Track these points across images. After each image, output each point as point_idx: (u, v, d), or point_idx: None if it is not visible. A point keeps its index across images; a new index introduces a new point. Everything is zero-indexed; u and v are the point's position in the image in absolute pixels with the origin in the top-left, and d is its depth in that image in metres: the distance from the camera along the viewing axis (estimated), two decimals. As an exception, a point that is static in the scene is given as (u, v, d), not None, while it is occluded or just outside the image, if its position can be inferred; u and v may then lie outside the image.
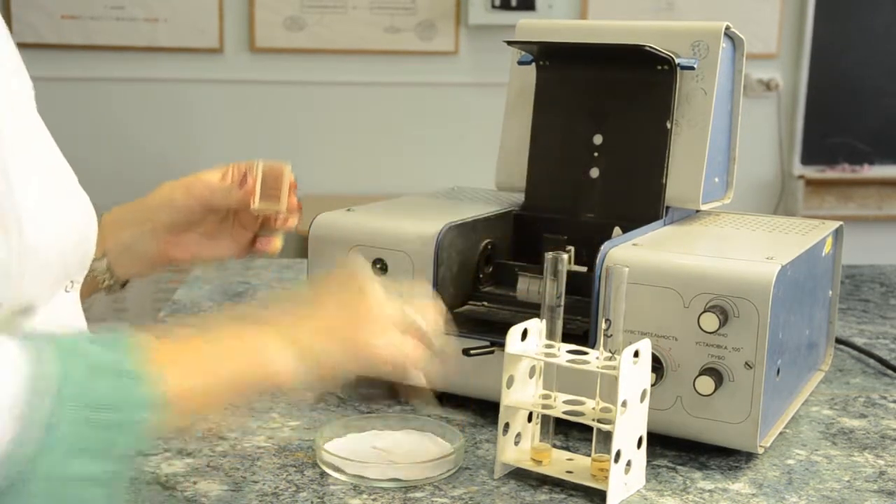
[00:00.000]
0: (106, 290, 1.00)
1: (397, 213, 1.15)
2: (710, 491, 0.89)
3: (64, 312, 0.81)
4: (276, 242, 0.97)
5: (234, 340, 0.74)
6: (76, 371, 0.63)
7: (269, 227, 1.01)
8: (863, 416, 1.08)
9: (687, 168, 1.11)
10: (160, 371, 0.66)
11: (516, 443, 0.91)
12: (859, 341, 1.35)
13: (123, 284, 1.02)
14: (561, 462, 0.91)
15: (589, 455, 0.90)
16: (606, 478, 0.85)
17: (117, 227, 0.98)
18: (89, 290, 0.96)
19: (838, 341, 1.30)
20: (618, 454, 0.84)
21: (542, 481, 0.89)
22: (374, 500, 0.85)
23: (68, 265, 0.79)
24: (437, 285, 1.04)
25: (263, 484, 0.87)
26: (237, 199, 0.97)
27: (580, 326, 1.01)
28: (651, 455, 0.93)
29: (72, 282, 0.81)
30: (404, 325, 0.81)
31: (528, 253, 1.13)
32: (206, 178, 0.98)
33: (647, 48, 1.06)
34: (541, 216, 1.16)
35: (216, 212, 1.00)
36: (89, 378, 0.63)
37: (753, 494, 0.88)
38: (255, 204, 0.95)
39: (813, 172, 3.98)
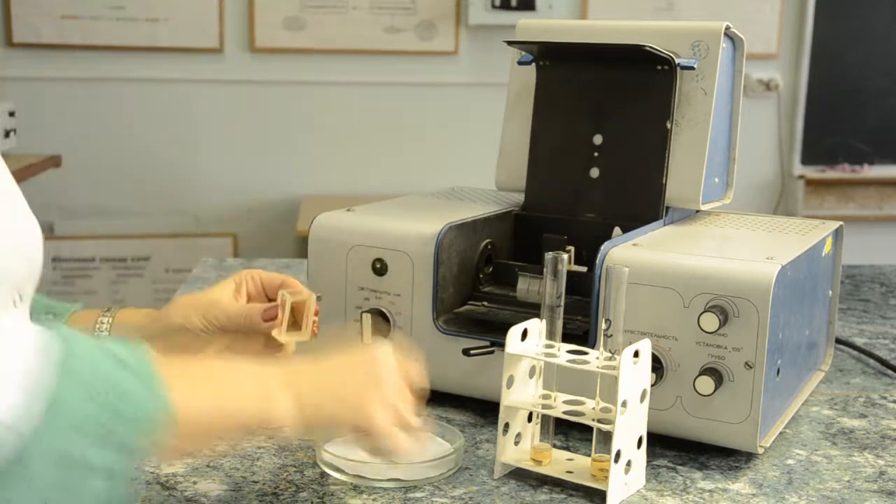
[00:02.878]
0: None
1: (397, 213, 1.15)
2: (710, 491, 0.89)
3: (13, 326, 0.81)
4: (291, 347, 0.97)
5: (240, 374, 0.75)
6: (83, 348, 0.63)
7: None
8: (863, 416, 1.08)
9: (687, 168, 1.11)
10: (168, 380, 0.67)
11: (516, 443, 0.91)
12: (859, 341, 1.35)
13: None
14: (561, 462, 0.91)
15: (589, 455, 0.90)
16: (606, 478, 0.85)
17: (130, 332, 0.96)
18: None
19: (838, 341, 1.30)
20: (618, 454, 0.84)
21: (542, 481, 0.89)
22: (374, 500, 0.85)
23: (18, 283, 0.79)
24: (437, 285, 1.04)
25: (263, 484, 0.87)
26: (263, 330, 0.95)
27: (580, 326, 1.01)
28: (651, 455, 0.93)
29: (20, 296, 0.81)
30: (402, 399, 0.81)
31: (528, 253, 1.13)
32: (222, 305, 0.96)
33: (647, 48, 1.06)
34: (541, 216, 1.16)
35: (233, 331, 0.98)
36: (97, 358, 0.63)
37: (753, 494, 0.88)
38: (282, 336, 0.95)
39: (813, 172, 3.97)
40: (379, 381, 0.79)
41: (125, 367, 0.65)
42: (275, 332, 0.94)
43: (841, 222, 1.20)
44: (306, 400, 0.75)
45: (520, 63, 1.18)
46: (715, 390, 0.92)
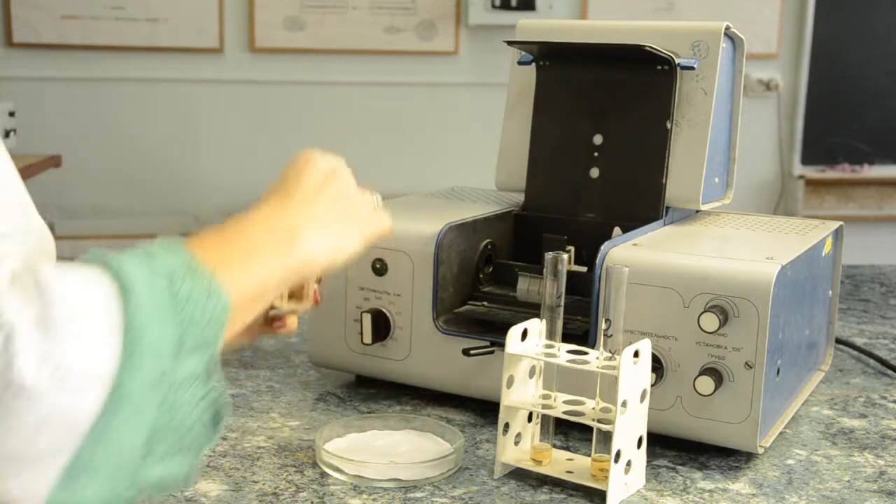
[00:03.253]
0: None
1: (397, 213, 1.14)
2: (710, 491, 0.89)
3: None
4: (293, 322, 0.96)
5: (266, 236, 0.76)
6: (130, 267, 0.63)
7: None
8: (863, 416, 1.08)
9: (687, 168, 1.11)
10: (214, 270, 0.67)
11: (516, 443, 0.91)
12: (859, 341, 1.35)
13: None
14: (561, 462, 0.91)
15: (589, 455, 0.90)
16: (606, 478, 0.85)
17: None
18: None
19: (838, 341, 1.30)
20: (618, 454, 0.84)
21: (542, 481, 0.89)
22: (374, 500, 0.85)
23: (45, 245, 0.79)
24: (438, 285, 1.04)
25: (263, 484, 0.88)
26: None
27: (580, 326, 1.01)
28: (651, 455, 0.93)
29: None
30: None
31: (528, 253, 1.13)
32: None
33: (647, 48, 1.06)
34: (541, 216, 1.16)
35: None
36: (146, 272, 0.63)
37: (753, 494, 0.88)
38: (284, 305, 0.92)
39: (813, 172, 3.98)
40: (352, 196, 0.85)
41: (174, 272, 0.65)
42: (276, 301, 0.93)
43: (841, 222, 1.20)
44: (325, 228, 0.80)
45: (520, 63, 1.18)
46: (715, 390, 0.92)
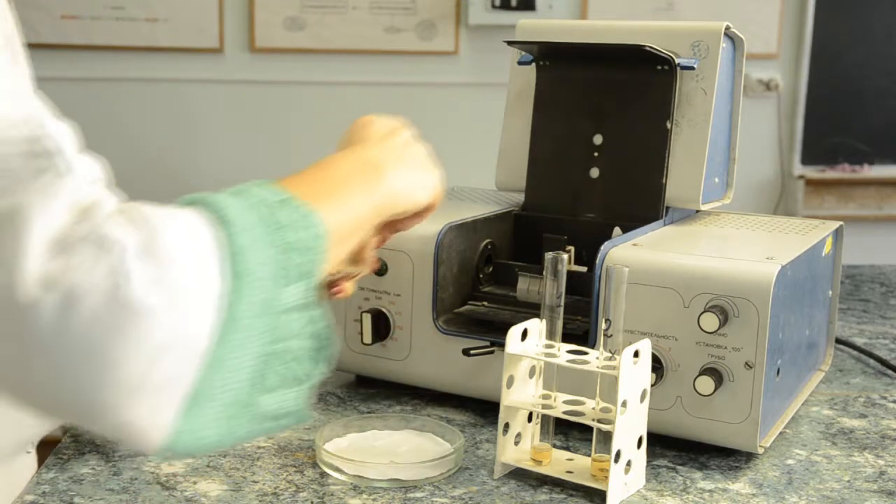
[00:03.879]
0: None
1: (397, 213, 1.14)
2: (710, 491, 0.89)
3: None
4: (350, 288, 0.95)
5: (348, 164, 0.78)
6: (223, 198, 0.64)
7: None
8: (863, 416, 1.08)
9: (687, 168, 1.11)
10: (308, 201, 0.68)
11: (516, 443, 0.91)
12: (859, 341, 1.35)
13: None
14: (561, 462, 0.91)
15: (589, 455, 0.90)
16: (606, 478, 0.85)
17: None
18: None
19: (838, 341, 1.30)
20: (618, 454, 0.84)
21: (542, 481, 0.89)
22: (374, 500, 0.85)
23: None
24: (437, 285, 1.04)
25: (263, 484, 0.88)
26: None
27: (580, 326, 1.01)
28: (651, 455, 0.93)
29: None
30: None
31: (528, 253, 1.13)
32: None
33: (647, 48, 1.06)
34: (541, 216, 1.16)
35: None
36: (243, 203, 0.65)
37: (753, 494, 0.88)
38: (342, 269, 0.90)
39: (813, 172, 3.97)
40: (418, 145, 0.86)
41: (269, 203, 0.66)
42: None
43: (841, 222, 1.20)
44: (402, 176, 0.81)
45: (520, 63, 1.18)
46: (715, 390, 0.92)
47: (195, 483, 0.87)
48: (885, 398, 1.14)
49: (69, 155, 0.61)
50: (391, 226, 0.87)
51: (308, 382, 0.67)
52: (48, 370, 0.56)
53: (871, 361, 1.27)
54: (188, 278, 0.58)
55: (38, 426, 0.84)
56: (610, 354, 0.86)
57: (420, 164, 0.84)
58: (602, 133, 1.14)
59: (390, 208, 0.79)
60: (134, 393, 0.57)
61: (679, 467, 0.93)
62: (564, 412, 0.88)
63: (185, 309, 0.58)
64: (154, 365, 0.57)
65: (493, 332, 1.03)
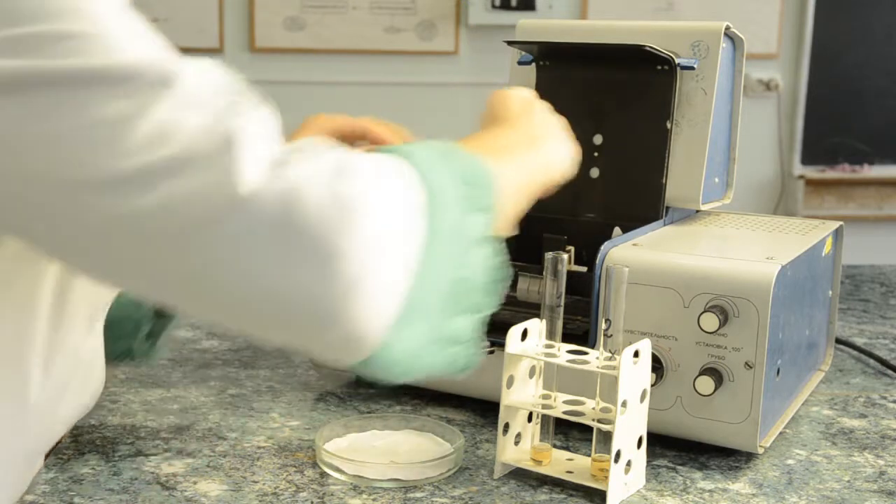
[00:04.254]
0: None
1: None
2: (710, 491, 0.89)
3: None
4: None
5: (508, 134, 0.82)
6: (407, 148, 0.69)
7: None
8: (863, 416, 1.08)
9: (687, 168, 1.11)
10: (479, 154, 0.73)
11: (516, 443, 0.91)
12: (859, 341, 1.35)
13: None
14: (561, 462, 0.91)
15: (589, 455, 0.90)
16: (606, 478, 0.85)
17: None
18: None
19: (838, 341, 1.30)
20: (618, 454, 0.84)
21: (542, 481, 0.89)
22: (374, 500, 0.85)
23: None
24: (437, 285, 1.04)
25: (263, 484, 0.88)
26: None
27: (580, 326, 1.01)
28: (651, 455, 0.93)
29: None
30: None
31: (528, 253, 1.13)
32: None
33: (647, 48, 1.06)
34: (540, 216, 1.16)
35: None
36: (424, 148, 0.70)
37: (753, 494, 0.88)
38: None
39: (813, 172, 3.98)
40: (552, 116, 0.91)
41: (443, 148, 0.71)
42: None
43: (841, 222, 1.20)
44: (553, 147, 0.86)
45: (520, 63, 1.18)
46: (715, 390, 0.92)
47: (195, 483, 0.87)
48: (885, 398, 1.14)
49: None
50: None
51: (482, 313, 0.72)
52: (278, 266, 0.59)
53: (871, 361, 1.27)
54: (397, 186, 0.64)
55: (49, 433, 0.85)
56: (610, 354, 0.86)
57: (563, 136, 0.88)
58: (602, 133, 1.14)
59: (549, 178, 0.84)
60: (358, 285, 0.60)
61: (679, 467, 0.93)
62: (564, 412, 0.88)
63: (399, 212, 0.63)
64: (375, 260, 0.60)
65: (492, 331, 1.02)
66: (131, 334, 0.97)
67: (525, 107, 0.88)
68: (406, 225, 0.63)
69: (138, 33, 0.62)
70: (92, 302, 0.83)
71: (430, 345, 0.67)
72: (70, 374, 0.83)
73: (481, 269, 0.70)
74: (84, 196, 0.58)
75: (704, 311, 0.92)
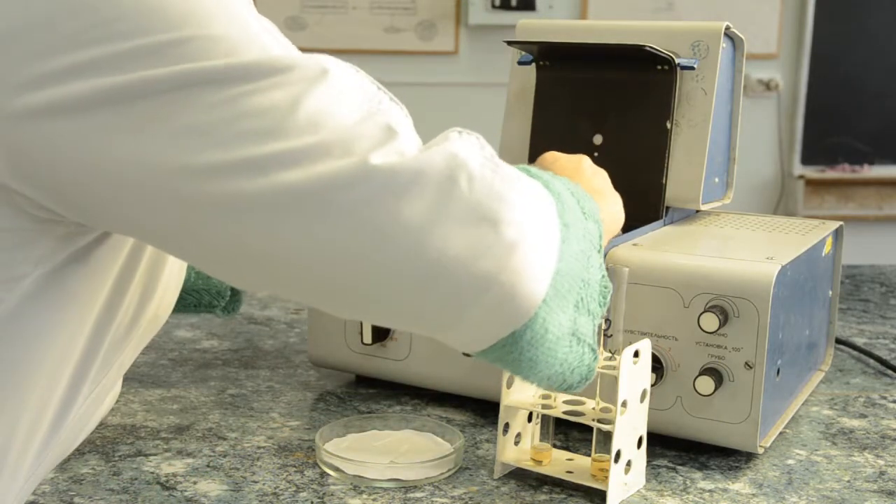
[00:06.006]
0: None
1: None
2: (710, 491, 0.89)
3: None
4: None
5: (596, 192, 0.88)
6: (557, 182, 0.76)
7: None
8: (863, 416, 1.08)
9: (687, 168, 1.11)
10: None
11: (516, 443, 0.91)
12: (859, 341, 1.35)
13: None
14: (561, 462, 0.91)
15: (589, 455, 0.90)
16: (606, 478, 0.85)
17: None
18: None
19: (838, 341, 1.30)
20: (618, 454, 0.84)
21: (542, 481, 0.89)
22: (374, 500, 0.85)
23: None
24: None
25: (263, 484, 0.88)
26: None
27: (580, 326, 1.01)
28: (651, 455, 0.93)
29: None
30: None
31: (528, 253, 1.13)
32: None
33: (647, 48, 1.06)
34: (541, 216, 1.16)
35: None
36: (544, 173, 0.76)
37: (753, 494, 0.88)
38: None
39: (813, 172, 3.98)
40: (602, 174, 0.94)
41: (561, 179, 0.77)
42: None
43: (841, 222, 1.20)
44: (608, 204, 0.90)
45: (520, 63, 1.18)
46: (715, 390, 0.92)
47: (195, 483, 0.87)
48: (885, 398, 1.14)
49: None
50: None
51: (598, 320, 0.75)
52: (444, 226, 0.62)
53: (871, 361, 1.27)
54: (532, 180, 0.71)
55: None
56: (610, 354, 0.86)
57: (609, 192, 0.91)
58: (602, 133, 1.14)
59: (610, 231, 0.88)
60: (518, 247, 0.64)
61: (679, 467, 0.93)
62: (564, 412, 0.88)
63: (541, 197, 0.69)
64: (531, 227, 0.66)
65: (493, 332, 1.03)
66: (214, 300, 1.08)
67: (577, 165, 0.91)
68: (547, 210, 0.69)
69: (277, 36, 0.66)
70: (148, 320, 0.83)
71: (569, 335, 0.71)
72: (107, 389, 0.83)
73: (599, 276, 0.75)
74: (235, 180, 0.59)
75: (704, 311, 0.92)
